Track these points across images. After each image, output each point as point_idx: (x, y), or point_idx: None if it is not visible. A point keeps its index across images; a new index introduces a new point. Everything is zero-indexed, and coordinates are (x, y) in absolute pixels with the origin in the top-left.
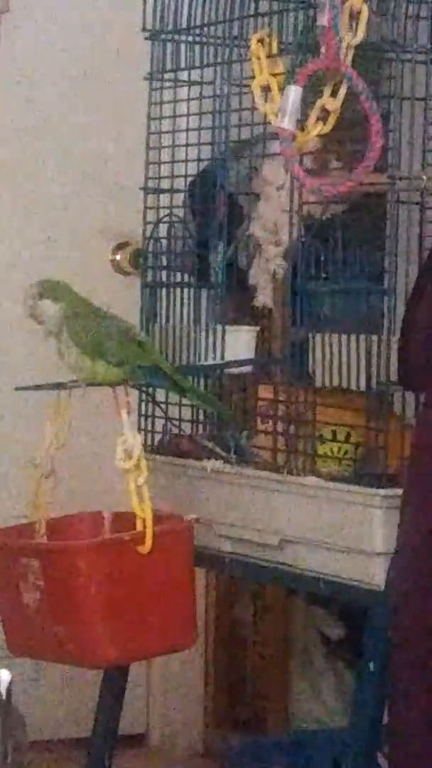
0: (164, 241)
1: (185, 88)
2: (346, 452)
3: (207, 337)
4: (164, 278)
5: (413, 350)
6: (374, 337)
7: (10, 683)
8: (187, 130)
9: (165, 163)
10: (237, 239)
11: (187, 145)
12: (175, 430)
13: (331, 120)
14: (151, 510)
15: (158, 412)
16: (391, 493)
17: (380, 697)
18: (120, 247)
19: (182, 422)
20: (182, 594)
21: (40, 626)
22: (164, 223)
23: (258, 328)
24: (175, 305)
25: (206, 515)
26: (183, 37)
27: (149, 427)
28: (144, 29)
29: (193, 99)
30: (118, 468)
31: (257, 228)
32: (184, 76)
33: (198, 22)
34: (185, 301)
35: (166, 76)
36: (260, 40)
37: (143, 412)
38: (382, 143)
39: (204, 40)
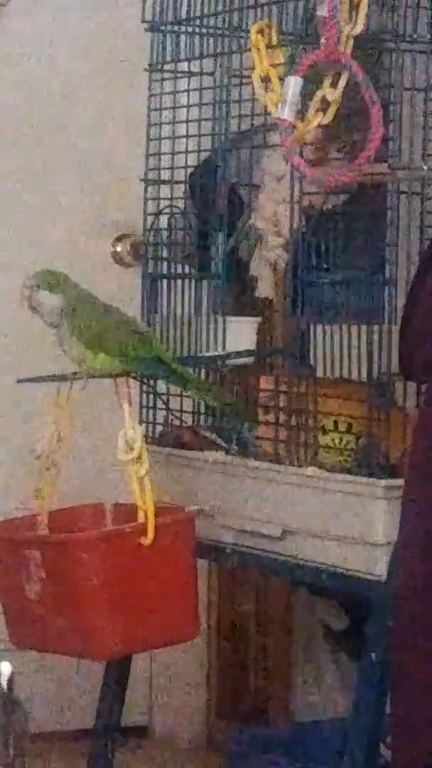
0: (165, 233)
1: (185, 80)
2: (347, 443)
3: (208, 328)
4: (165, 269)
5: (414, 340)
6: (375, 328)
7: (12, 675)
8: (188, 121)
9: (165, 154)
10: (238, 230)
11: (187, 136)
12: (177, 422)
13: (331, 110)
14: (152, 501)
15: (159, 404)
16: (393, 484)
17: (382, 687)
18: (120, 238)
19: (183, 413)
20: (184, 585)
21: (42, 618)
22: (165, 214)
23: (259, 319)
24: (176, 296)
25: (208, 506)
26: (183, 28)
27: (150, 419)
28: (144, 20)
29: (193, 90)
30: (119, 460)
31: (258, 219)
32: (184, 67)
33: (198, 13)
34: (186, 292)
35: (166, 67)
36: (260, 31)
37: (144, 404)
38: (383, 133)
39: (204, 31)
